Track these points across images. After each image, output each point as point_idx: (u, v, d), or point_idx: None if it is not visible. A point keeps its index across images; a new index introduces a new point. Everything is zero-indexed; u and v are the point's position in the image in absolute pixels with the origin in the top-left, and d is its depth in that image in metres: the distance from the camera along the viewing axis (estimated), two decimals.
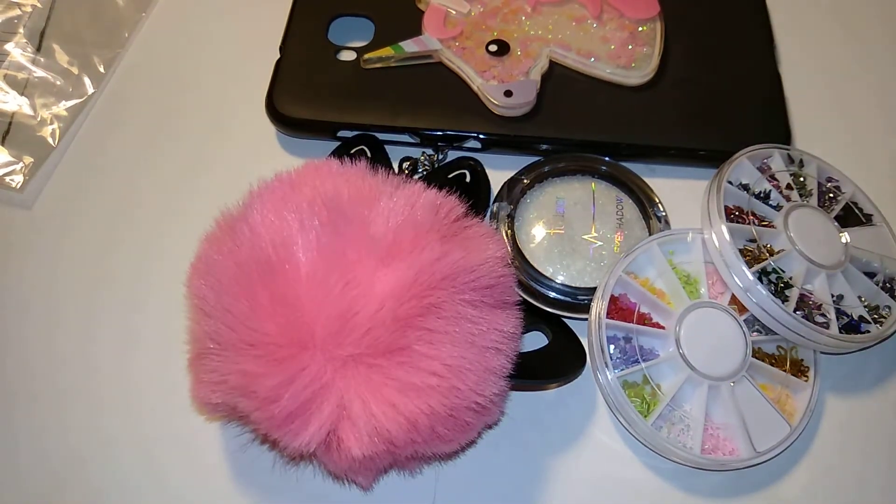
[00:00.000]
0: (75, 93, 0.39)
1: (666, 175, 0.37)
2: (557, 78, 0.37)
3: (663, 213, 0.34)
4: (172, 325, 0.31)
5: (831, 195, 0.34)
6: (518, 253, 0.33)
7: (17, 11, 0.41)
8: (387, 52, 0.37)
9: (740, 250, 0.31)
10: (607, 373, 0.30)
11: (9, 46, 0.40)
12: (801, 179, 0.34)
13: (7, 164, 0.36)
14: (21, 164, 0.36)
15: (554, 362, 0.31)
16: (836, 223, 0.33)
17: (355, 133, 0.36)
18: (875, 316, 0.32)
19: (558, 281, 0.32)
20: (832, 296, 0.31)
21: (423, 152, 0.36)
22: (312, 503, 0.29)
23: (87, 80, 0.39)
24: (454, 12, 0.39)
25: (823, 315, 0.31)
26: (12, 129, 0.38)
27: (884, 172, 0.38)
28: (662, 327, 0.31)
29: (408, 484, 0.30)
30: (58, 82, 0.39)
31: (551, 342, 0.32)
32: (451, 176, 0.34)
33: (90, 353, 0.32)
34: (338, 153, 0.34)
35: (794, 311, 0.30)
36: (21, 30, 0.40)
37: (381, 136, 0.36)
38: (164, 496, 0.30)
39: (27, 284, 0.34)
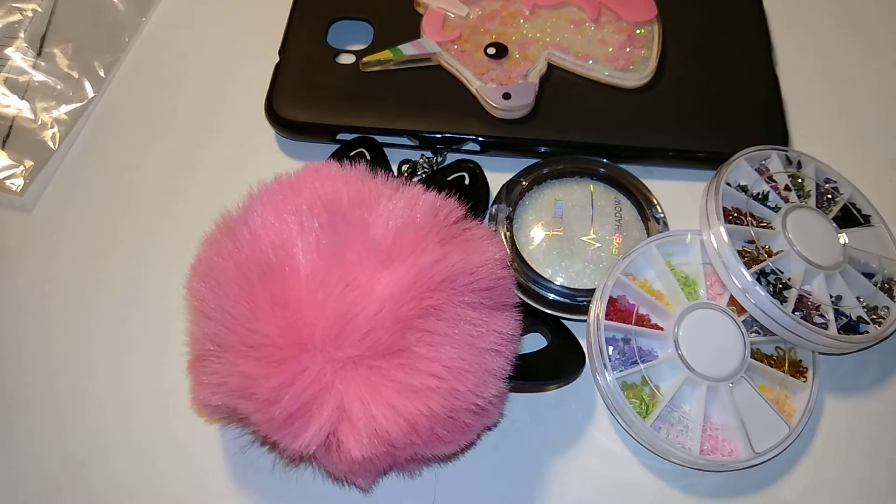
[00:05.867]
0: (76, 97, 0.39)
1: (664, 177, 0.37)
2: (556, 80, 0.37)
3: (662, 215, 0.34)
4: (173, 328, 0.31)
5: (829, 196, 0.34)
6: (517, 255, 0.33)
7: (18, 16, 0.41)
8: (386, 55, 0.37)
9: (739, 251, 0.31)
10: (606, 374, 0.30)
11: (9, 51, 0.40)
12: (800, 181, 0.34)
13: (7, 168, 0.36)
14: (21, 168, 0.36)
15: (553, 364, 0.31)
16: (834, 224, 0.33)
17: (354, 136, 0.36)
18: (873, 316, 0.32)
19: (557, 282, 0.32)
20: (831, 296, 0.31)
21: (423, 155, 0.36)
22: None
23: (87, 85, 0.39)
24: (452, 15, 0.39)
25: (822, 316, 0.31)
26: (13, 132, 0.38)
27: (882, 173, 0.38)
28: (661, 328, 0.31)
29: (407, 485, 0.30)
30: (58, 86, 0.39)
31: (550, 344, 0.32)
32: (450, 178, 0.34)
33: (90, 356, 0.32)
34: (337, 156, 0.34)
35: (793, 312, 0.30)
36: (22, 34, 0.41)
37: (380, 138, 0.36)
38: (163, 498, 0.30)
39: (27, 287, 0.34)
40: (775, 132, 0.36)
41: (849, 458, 0.31)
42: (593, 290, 0.32)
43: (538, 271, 0.33)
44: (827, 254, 0.32)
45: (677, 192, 0.36)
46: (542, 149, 0.36)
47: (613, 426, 0.31)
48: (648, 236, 0.33)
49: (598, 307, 0.31)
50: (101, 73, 0.40)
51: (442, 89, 0.37)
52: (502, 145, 0.36)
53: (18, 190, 0.36)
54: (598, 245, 0.33)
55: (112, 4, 0.42)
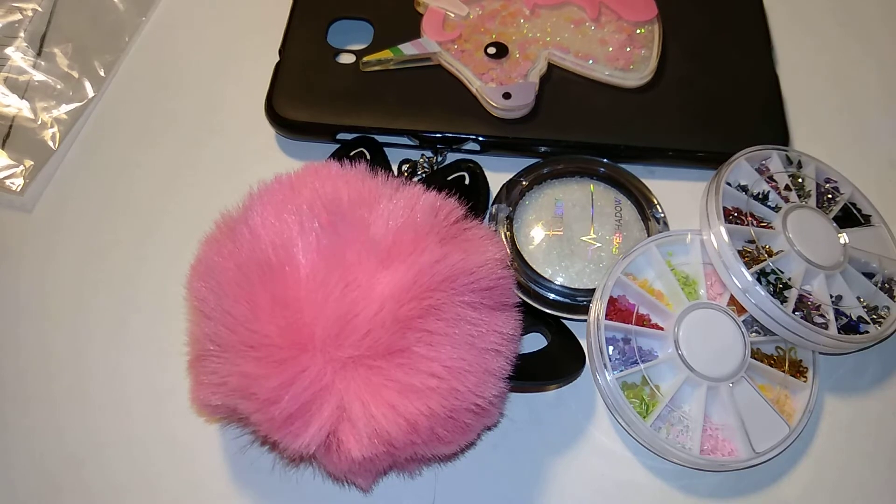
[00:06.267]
0: (76, 96, 0.39)
1: (664, 177, 0.37)
2: (556, 80, 0.37)
3: (662, 215, 0.34)
4: (173, 328, 0.31)
5: (830, 196, 0.34)
6: (517, 255, 0.33)
7: (18, 16, 0.41)
8: (386, 54, 0.37)
9: (739, 251, 0.31)
10: (606, 374, 0.30)
11: (9, 50, 0.40)
12: (800, 180, 0.34)
13: (7, 168, 0.36)
14: (21, 168, 0.36)
15: (553, 364, 0.31)
16: (834, 224, 0.33)
17: (354, 136, 0.36)
18: (874, 316, 0.32)
19: (557, 282, 0.32)
20: (831, 296, 0.31)
21: (423, 154, 0.36)
22: None
23: (87, 84, 0.39)
24: (453, 15, 0.39)
25: (822, 316, 0.31)
26: (13, 132, 0.38)
27: (882, 173, 0.38)
28: (661, 328, 0.31)
29: (407, 485, 0.30)
30: (58, 86, 0.39)
31: (550, 344, 0.32)
32: (450, 178, 0.34)
33: (90, 356, 0.32)
34: (337, 156, 0.34)
35: (793, 312, 0.30)
36: (22, 34, 0.41)
37: (380, 138, 0.36)
38: (163, 498, 0.30)
39: (27, 287, 0.34)
40: (776, 132, 0.36)
41: (849, 458, 0.31)
42: (593, 289, 0.32)
43: (538, 271, 0.33)
44: (827, 254, 0.32)
45: (677, 192, 0.36)
46: (543, 149, 0.36)
47: (613, 426, 0.31)
48: (648, 236, 0.33)
49: (598, 307, 0.31)
50: (101, 73, 0.40)
51: (442, 89, 0.37)
52: (502, 145, 0.36)
53: (18, 189, 0.36)
54: (599, 245, 0.33)
55: (112, 4, 0.42)
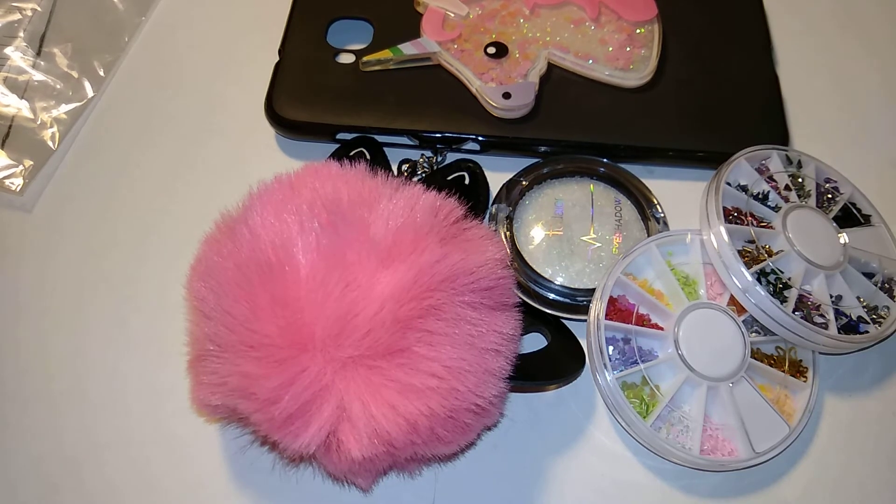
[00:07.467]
0: (75, 96, 0.39)
1: (664, 176, 0.37)
2: (556, 80, 0.37)
3: (662, 215, 0.34)
4: (172, 328, 0.31)
5: (829, 196, 0.34)
6: (517, 254, 0.33)
7: (18, 15, 0.41)
8: (385, 54, 0.37)
9: (739, 251, 0.31)
10: (606, 374, 0.30)
11: (9, 50, 0.40)
12: (800, 180, 0.34)
13: (7, 168, 0.36)
14: (21, 167, 0.36)
15: (553, 364, 0.31)
16: (834, 224, 0.33)
17: (354, 135, 0.36)
18: (874, 316, 0.32)
19: (557, 282, 0.32)
20: (831, 296, 0.31)
21: (422, 154, 0.36)
22: None
23: (86, 84, 0.39)
24: (452, 15, 0.39)
25: (822, 316, 0.31)
26: (12, 132, 0.38)
27: (882, 173, 0.38)
28: (661, 328, 0.31)
29: (407, 485, 0.30)
30: (58, 86, 0.39)
31: (550, 344, 0.32)
32: (450, 178, 0.34)
33: (90, 356, 0.32)
34: (337, 155, 0.34)
35: (793, 312, 0.30)
36: (21, 34, 0.41)
37: (380, 138, 0.36)
38: (163, 498, 0.30)
39: (26, 287, 0.34)
40: (775, 131, 0.36)
41: (849, 458, 0.31)
42: (593, 289, 0.32)
43: (538, 271, 0.33)
44: (827, 253, 0.32)
45: (677, 192, 0.36)
46: (542, 148, 0.36)
47: (613, 426, 0.31)
48: (648, 236, 0.33)
49: (598, 307, 0.31)
50: (101, 73, 0.40)
51: (442, 89, 0.37)
52: (502, 145, 0.36)
53: (18, 189, 0.36)
54: (598, 245, 0.33)
55: (112, 4, 0.42)
